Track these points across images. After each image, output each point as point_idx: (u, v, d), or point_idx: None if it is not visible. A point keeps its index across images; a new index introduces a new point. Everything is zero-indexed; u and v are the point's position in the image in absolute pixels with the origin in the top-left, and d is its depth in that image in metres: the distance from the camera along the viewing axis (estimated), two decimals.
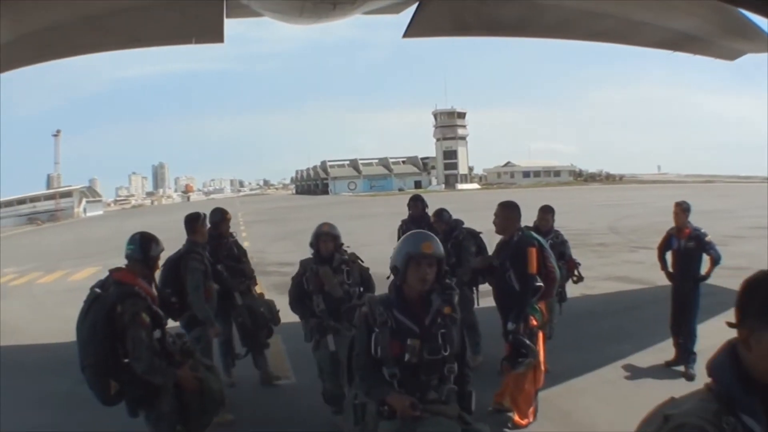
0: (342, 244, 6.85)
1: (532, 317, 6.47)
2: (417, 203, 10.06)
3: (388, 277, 4.11)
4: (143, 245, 5.20)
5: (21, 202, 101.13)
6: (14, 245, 43.45)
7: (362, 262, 6.96)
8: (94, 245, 35.17)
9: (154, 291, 5.24)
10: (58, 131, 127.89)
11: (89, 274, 21.82)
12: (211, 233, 8.28)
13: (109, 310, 4.76)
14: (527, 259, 6.44)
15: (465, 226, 9.24)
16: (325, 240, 6.69)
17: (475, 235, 9.10)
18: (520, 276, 6.49)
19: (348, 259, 6.80)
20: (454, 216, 9.36)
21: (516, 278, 6.53)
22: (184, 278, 7.23)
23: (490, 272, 7.41)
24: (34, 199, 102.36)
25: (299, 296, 6.81)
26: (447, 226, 9.13)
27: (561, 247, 8.90)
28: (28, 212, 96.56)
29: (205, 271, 7.39)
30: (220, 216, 8.68)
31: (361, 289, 6.80)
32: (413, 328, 3.87)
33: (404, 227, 9.84)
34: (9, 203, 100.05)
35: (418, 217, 9.93)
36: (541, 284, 6.47)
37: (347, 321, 6.44)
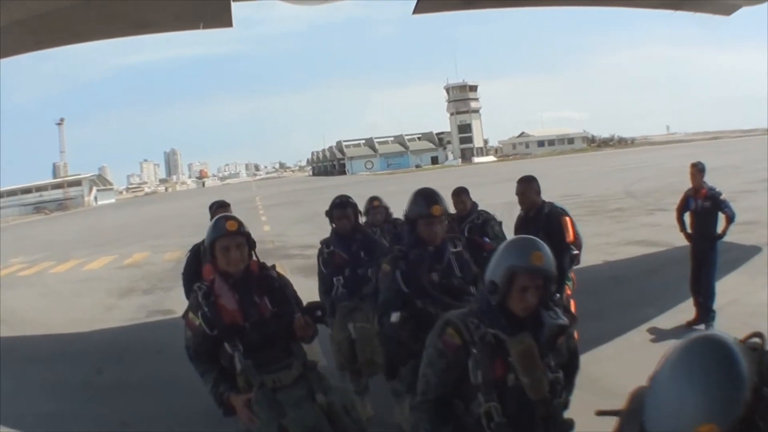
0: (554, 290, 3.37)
1: (566, 286, 6.45)
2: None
3: None
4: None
5: (26, 191, 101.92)
6: (20, 235, 43.63)
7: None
8: (108, 234, 35.28)
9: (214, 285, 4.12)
10: (62, 119, 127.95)
11: (105, 262, 21.89)
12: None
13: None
14: (563, 228, 6.39)
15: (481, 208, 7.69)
16: (524, 282, 3.08)
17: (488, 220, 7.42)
18: (556, 246, 6.41)
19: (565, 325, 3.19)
20: (477, 191, 8.82)
21: (551, 249, 6.42)
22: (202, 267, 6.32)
23: None
24: (40, 188, 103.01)
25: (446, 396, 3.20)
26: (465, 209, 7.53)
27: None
28: (35, 201, 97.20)
29: None
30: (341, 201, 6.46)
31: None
32: None
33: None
34: (12, 192, 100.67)
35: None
36: (578, 252, 6.43)
37: None
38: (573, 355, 3.39)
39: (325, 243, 6.60)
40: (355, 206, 6.63)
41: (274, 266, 4.38)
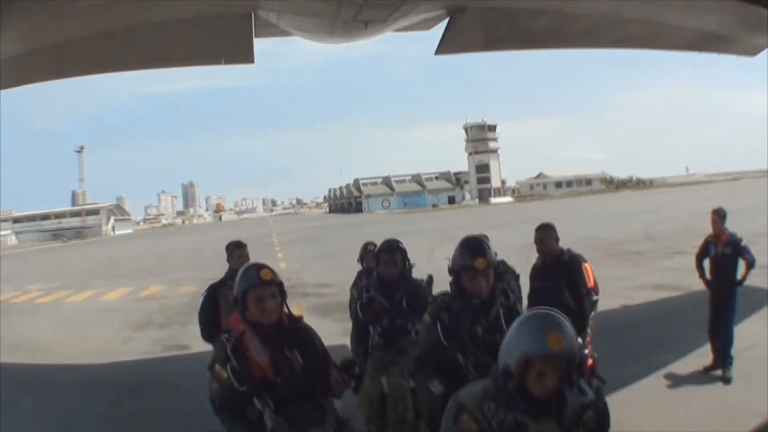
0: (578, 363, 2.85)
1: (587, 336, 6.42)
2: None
3: None
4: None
5: (45, 217, 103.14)
6: (38, 261, 43.90)
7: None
8: (125, 264, 35.54)
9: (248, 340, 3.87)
10: (82, 147, 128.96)
11: (122, 294, 21.96)
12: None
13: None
14: (584, 275, 6.41)
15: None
16: (541, 368, 2.68)
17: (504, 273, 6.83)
18: (577, 294, 6.39)
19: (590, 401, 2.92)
20: (494, 232, 8.56)
21: (571, 297, 6.42)
22: (218, 307, 6.49)
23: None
24: (59, 215, 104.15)
25: None
26: None
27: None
28: (54, 228, 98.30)
29: None
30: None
31: None
32: None
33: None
34: (32, 218, 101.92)
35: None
36: (597, 298, 6.41)
37: None
38: (602, 416, 3.18)
39: (365, 287, 6.00)
40: (404, 252, 5.96)
41: (301, 317, 4.19)
